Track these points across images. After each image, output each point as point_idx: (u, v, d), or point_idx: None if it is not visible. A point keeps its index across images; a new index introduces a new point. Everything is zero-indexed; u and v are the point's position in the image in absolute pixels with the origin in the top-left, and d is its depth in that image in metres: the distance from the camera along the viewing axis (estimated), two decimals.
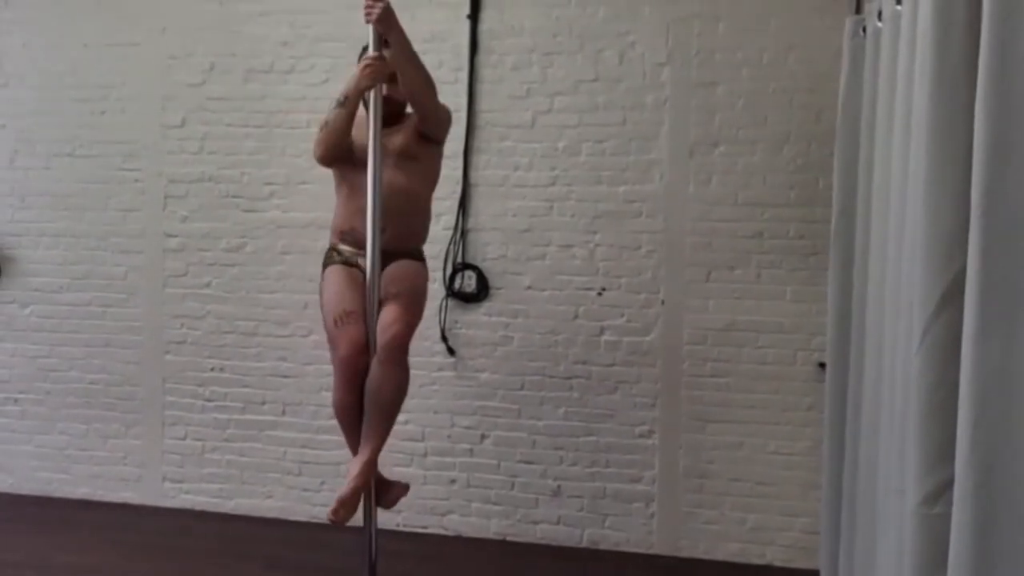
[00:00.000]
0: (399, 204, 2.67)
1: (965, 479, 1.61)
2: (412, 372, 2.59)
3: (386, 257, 2.62)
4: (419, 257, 2.82)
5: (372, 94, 2.55)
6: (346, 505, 2.45)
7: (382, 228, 2.59)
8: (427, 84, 2.67)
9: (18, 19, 4.08)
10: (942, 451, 1.81)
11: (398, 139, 2.71)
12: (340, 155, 2.71)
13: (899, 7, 2.30)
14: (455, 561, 3.55)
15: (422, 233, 2.87)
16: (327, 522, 2.49)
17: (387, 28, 2.54)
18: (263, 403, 3.93)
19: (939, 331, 1.84)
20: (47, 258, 4.11)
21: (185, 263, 3.98)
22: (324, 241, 3.80)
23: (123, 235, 4.03)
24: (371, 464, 2.52)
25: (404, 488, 2.77)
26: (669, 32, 3.55)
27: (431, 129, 2.77)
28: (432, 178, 2.87)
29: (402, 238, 2.72)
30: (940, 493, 1.82)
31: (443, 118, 2.82)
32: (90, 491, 4.08)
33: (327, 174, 3.76)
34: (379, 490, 2.65)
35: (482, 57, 3.68)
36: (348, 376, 2.56)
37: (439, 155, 2.89)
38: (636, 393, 3.60)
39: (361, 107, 2.66)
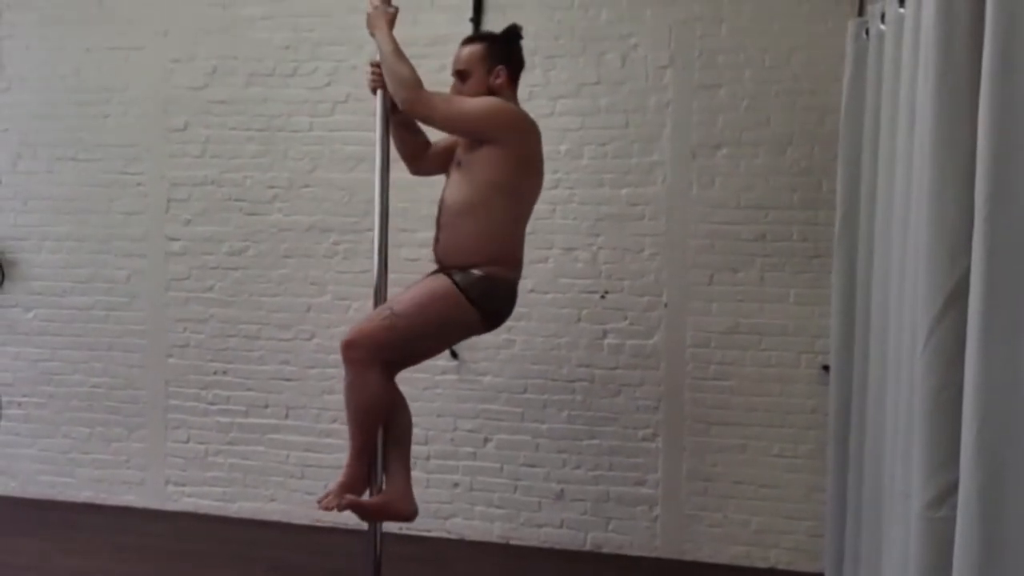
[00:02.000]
0: (445, 217, 2.60)
1: (970, 482, 1.60)
2: (416, 375, 2.56)
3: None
4: (455, 277, 2.50)
5: (378, 100, 2.55)
6: (332, 494, 2.47)
7: (436, 239, 2.63)
8: (400, 87, 2.46)
9: (20, 23, 4.08)
10: (947, 454, 1.80)
11: (457, 146, 2.69)
12: (415, 162, 2.76)
13: (902, 10, 2.30)
14: (458, 564, 3.54)
15: (469, 250, 2.52)
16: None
17: (371, 32, 2.56)
18: (266, 406, 3.93)
19: (943, 334, 1.84)
20: (50, 262, 4.11)
21: (188, 267, 3.98)
22: (327, 244, 3.86)
23: (126, 239, 4.03)
24: (349, 466, 2.51)
25: (400, 511, 2.53)
26: (671, 34, 3.55)
27: (454, 133, 2.66)
28: (486, 185, 2.51)
29: (447, 253, 2.58)
30: (945, 496, 1.81)
31: (455, 117, 2.53)
32: (93, 495, 4.08)
33: (329, 177, 3.82)
34: (378, 496, 2.52)
35: None
36: None
37: (499, 159, 2.50)
38: (639, 396, 3.60)
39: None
